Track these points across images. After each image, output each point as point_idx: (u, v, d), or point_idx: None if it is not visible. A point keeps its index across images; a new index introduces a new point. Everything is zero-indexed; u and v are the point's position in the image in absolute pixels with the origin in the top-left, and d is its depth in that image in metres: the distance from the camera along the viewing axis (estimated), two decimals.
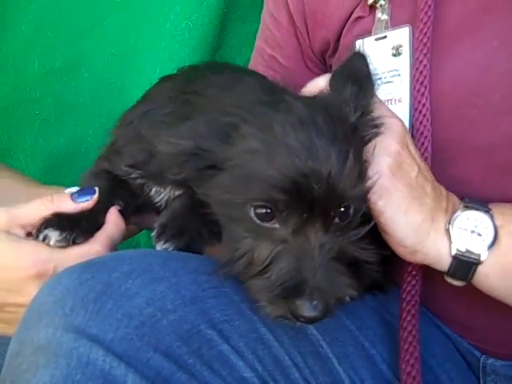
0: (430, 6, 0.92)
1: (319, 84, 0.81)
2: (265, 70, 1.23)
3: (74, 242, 0.89)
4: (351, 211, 0.73)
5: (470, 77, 0.92)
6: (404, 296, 0.85)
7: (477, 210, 0.80)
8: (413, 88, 0.94)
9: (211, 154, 0.71)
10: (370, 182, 0.76)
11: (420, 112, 0.91)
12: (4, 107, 1.65)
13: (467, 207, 0.81)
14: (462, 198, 0.85)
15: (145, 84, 1.55)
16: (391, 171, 0.76)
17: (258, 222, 0.70)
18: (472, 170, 0.92)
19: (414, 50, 0.96)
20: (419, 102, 0.92)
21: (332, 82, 0.79)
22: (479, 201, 0.83)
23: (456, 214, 0.80)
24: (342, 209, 0.71)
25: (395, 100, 0.98)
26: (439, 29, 0.95)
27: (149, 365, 0.63)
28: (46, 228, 0.89)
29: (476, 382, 0.93)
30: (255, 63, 1.29)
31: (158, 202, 0.96)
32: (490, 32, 0.92)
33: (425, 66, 0.93)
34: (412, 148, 0.82)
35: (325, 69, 1.19)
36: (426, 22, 0.93)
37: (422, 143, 0.90)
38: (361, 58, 0.81)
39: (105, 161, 1.05)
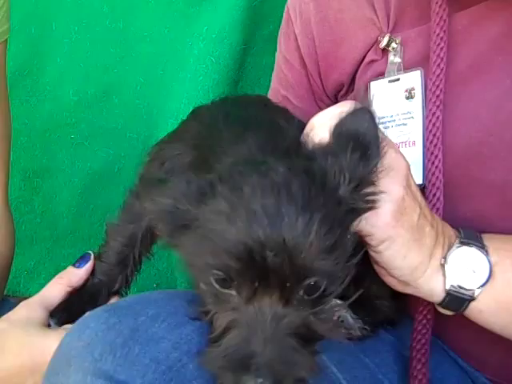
0: (442, 49, 0.91)
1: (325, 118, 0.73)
2: None
3: None
4: (322, 286, 0.65)
5: (483, 116, 0.89)
6: (415, 335, 0.84)
7: (472, 246, 0.77)
8: (426, 139, 0.92)
9: (185, 213, 0.67)
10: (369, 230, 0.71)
11: (433, 163, 0.89)
12: (43, 132, 1.74)
13: (462, 243, 0.78)
14: (457, 230, 0.82)
15: (171, 110, 1.64)
16: (395, 218, 0.72)
17: (218, 287, 0.65)
18: (487, 206, 0.89)
19: (426, 97, 0.94)
20: (432, 153, 0.90)
21: (332, 140, 0.70)
22: (474, 234, 0.80)
23: (451, 250, 0.77)
24: (309, 282, 0.64)
25: (409, 143, 0.96)
26: (451, 69, 0.92)
27: None
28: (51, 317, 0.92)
29: None
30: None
31: None
32: (503, 72, 0.89)
33: (437, 117, 0.91)
34: (414, 187, 0.77)
35: None
36: (439, 64, 0.91)
37: (434, 194, 0.88)
38: (367, 114, 0.71)
39: (136, 198, 0.98)
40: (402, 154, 0.77)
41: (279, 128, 0.82)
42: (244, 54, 1.65)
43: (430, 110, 0.92)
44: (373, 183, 0.69)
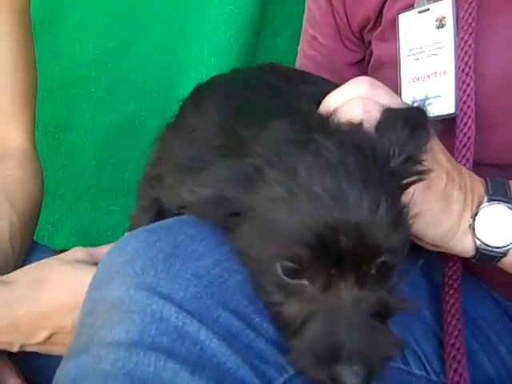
0: None
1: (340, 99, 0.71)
2: (309, 50, 1.21)
3: None
4: (391, 261, 0.63)
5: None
6: (446, 271, 0.83)
7: (500, 202, 0.75)
8: (457, 68, 0.89)
9: (233, 201, 0.62)
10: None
11: (464, 92, 0.87)
12: (62, 86, 1.71)
13: (490, 200, 0.76)
14: (486, 181, 0.79)
15: (192, 61, 1.61)
16: (421, 195, 0.71)
17: (286, 279, 0.62)
18: None
19: (458, 25, 0.91)
20: (464, 81, 0.87)
21: (381, 121, 0.67)
22: (503, 187, 0.77)
23: (479, 209, 0.76)
24: (380, 260, 0.62)
25: (440, 73, 0.94)
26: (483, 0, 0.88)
27: (219, 322, 0.62)
28: None
29: None
30: (302, 44, 1.26)
31: None
32: None
33: (470, 45, 0.88)
34: (439, 153, 0.75)
35: (363, 45, 1.14)
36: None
37: (465, 123, 0.86)
38: (421, 111, 0.69)
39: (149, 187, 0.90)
40: None
41: (299, 111, 0.74)
42: (266, 2, 1.61)
43: (462, 38, 0.88)
44: (420, 161, 0.66)
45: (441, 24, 0.95)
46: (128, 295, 0.62)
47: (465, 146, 0.85)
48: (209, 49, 1.61)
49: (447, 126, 0.89)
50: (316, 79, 0.89)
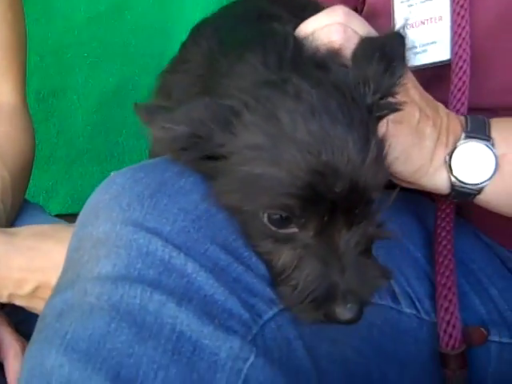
0: None
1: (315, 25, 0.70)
2: None
3: None
4: (375, 198, 0.63)
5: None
6: (439, 214, 0.82)
7: (477, 140, 0.74)
8: (453, 11, 0.86)
9: (208, 142, 0.59)
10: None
11: (460, 35, 0.85)
12: (55, 51, 1.69)
13: (467, 137, 0.74)
14: (466, 118, 0.77)
15: (186, 22, 1.59)
16: (393, 128, 0.69)
17: (274, 228, 0.60)
18: None
19: None
20: (459, 25, 0.85)
21: (356, 51, 0.65)
22: (482, 124, 0.76)
23: (455, 146, 0.74)
24: (367, 199, 0.62)
25: (435, 19, 0.91)
26: None
27: (206, 255, 0.62)
28: None
29: None
30: None
31: None
32: None
33: None
34: (412, 89, 0.73)
35: None
36: None
37: (461, 67, 0.84)
38: (399, 38, 0.66)
39: None
40: None
41: (275, 34, 0.71)
42: None
43: None
44: (394, 95, 0.64)
45: None
46: (114, 231, 0.61)
47: (460, 90, 0.84)
48: (201, 10, 1.59)
49: (442, 72, 0.88)
50: (317, 7, 0.84)
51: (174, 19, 1.66)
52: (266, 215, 0.61)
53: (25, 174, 1.14)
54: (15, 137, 1.12)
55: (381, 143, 0.63)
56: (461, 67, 0.85)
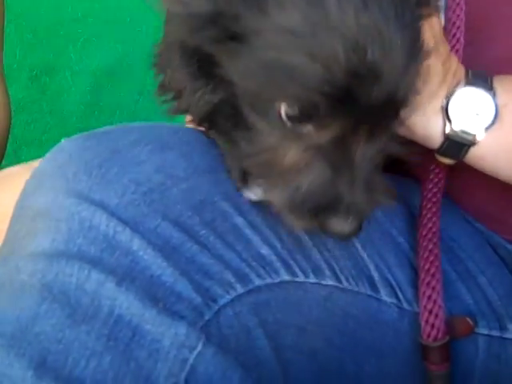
0: None
1: None
2: None
3: None
4: (403, 113, 0.56)
5: None
6: (425, 194, 0.77)
7: (477, 86, 0.70)
8: None
9: (234, 21, 0.50)
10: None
11: (454, 0, 0.77)
12: (48, 28, 1.67)
13: (468, 83, 0.70)
14: (467, 71, 0.73)
15: None
16: None
17: (289, 123, 0.53)
18: None
19: None
20: None
21: None
22: (484, 76, 0.72)
23: (454, 91, 0.69)
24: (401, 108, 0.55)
25: None
26: None
27: (156, 232, 0.57)
28: None
29: (508, 276, 0.84)
30: None
31: None
32: None
33: None
34: (435, 20, 0.68)
35: None
36: None
37: (454, 34, 0.78)
38: None
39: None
40: None
41: None
42: None
43: None
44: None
45: None
46: (56, 202, 0.56)
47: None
48: None
49: None
50: None
51: None
52: (284, 106, 0.52)
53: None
54: None
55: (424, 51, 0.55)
56: (454, 34, 0.79)
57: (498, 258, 0.82)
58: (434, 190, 0.76)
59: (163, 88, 0.64)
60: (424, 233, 0.74)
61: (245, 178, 0.59)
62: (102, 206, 0.56)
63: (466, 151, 0.70)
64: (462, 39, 0.77)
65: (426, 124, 0.70)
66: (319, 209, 0.55)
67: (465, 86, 0.70)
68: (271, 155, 0.55)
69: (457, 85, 0.70)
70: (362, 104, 0.50)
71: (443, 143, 0.70)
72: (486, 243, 0.84)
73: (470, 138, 0.69)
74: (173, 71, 0.61)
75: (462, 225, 0.84)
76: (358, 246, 0.69)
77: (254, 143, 0.56)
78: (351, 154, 0.54)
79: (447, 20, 0.79)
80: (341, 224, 0.55)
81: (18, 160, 1.67)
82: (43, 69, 1.68)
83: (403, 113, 0.55)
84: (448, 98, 0.69)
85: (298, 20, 0.49)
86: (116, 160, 0.58)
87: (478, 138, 0.69)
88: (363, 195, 0.54)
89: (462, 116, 0.69)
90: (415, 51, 0.53)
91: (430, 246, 0.73)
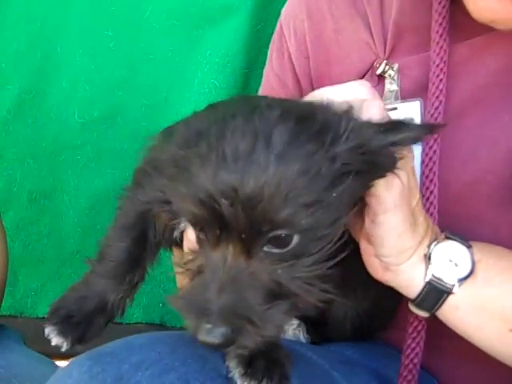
0: (441, 80, 0.86)
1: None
2: None
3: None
4: (292, 240, 0.60)
5: (480, 153, 0.86)
6: (405, 361, 0.82)
7: (457, 241, 0.77)
8: (421, 174, 0.85)
9: (180, 157, 0.64)
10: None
11: (428, 199, 0.84)
12: (48, 154, 1.72)
13: (448, 238, 0.77)
14: (443, 231, 0.79)
15: None
16: (403, 193, 0.70)
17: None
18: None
19: None
20: (427, 188, 0.84)
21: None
22: (460, 236, 0.78)
23: (437, 242, 0.76)
24: (275, 235, 0.60)
25: None
26: (449, 101, 0.87)
27: None
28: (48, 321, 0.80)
29: None
30: None
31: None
32: (501, 108, 0.86)
33: (434, 151, 0.84)
34: (411, 173, 0.74)
35: None
36: (437, 96, 0.86)
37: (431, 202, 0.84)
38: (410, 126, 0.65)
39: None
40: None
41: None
42: (247, 77, 1.63)
43: (427, 143, 0.85)
44: (388, 155, 0.64)
45: None
46: None
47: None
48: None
49: None
50: None
51: (164, 127, 1.67)
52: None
53: None
54: None
55: (334, 194, 0.61)
56: (428, 198, 0.85)
57: None
58: (413, 358, 0.82)
59: None
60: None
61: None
62: None
63: (444, 299, 0.76)
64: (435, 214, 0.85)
65: (411, 269, 0.77)
66: (194, 312, 0.60)
67: (445, 239, 0.78)
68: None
69: (437, 238, 0.78)
70: (220, 217, 0.59)
71: (423, 289, 0.76)
72: None
73: (448, 285, 0.76)
74: None
75: None
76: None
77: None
78: (225, 262, 0.60)
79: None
80: (203, 330, 0.59)
81: (15, 281, 1.72)
82: (42, 192, 1.73)
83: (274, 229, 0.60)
84: (430, 248, 0.77)
85: (204, 146, 0.62)
86: None
87: (456, 288, 0.76)
88: (230, 306, 0.58)
89: (442, 265, 0.76)
90: (289, 178, 0.58)
91: None
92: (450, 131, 0.87)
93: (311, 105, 0.66)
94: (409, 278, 0.77)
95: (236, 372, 0.71)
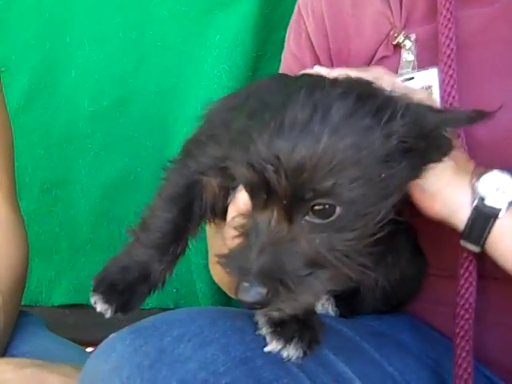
0: (452, 49, 0.86)
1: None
2: None
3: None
4: (335, 211, 0.61)
5: (505, 119, 0.83)
6: (460, 302, 0.81)
7: (504, 172, 0.77)
8: None
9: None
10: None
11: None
12: (59, 143, 1.72)
13: (496, 169, 0.78)
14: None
15: (186, 118, 1.63)
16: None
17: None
18: None
19: (442, 99, 0.87)
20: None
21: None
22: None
23: (482, 172, 0.78)
24: (319, 204, 0.61)
25: None
26: (466, 71, 0.88)
27: None
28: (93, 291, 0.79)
29: None
30: None
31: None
32: None
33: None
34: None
35: None
36: (450, 65, 0.86)
37: None
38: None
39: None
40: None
41: None
42: (257, 60, 1.63)
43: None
44: (442, 136, 0.66)
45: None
46: None
47: None
48: (202, 105, 1.60)
49: None
50: None
51: (175, 114, 1.68)
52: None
53: (17, 290, 1.11)
54: (6, 253, 1.09)
55: (386, 171, 0.62)
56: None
57: None
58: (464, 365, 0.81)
59: None
60: (459, 362, 0.80)
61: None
62: None
63: (492, 225, 0.76)
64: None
65: (457, 193, 0.77)
66: (237, 271, 0.63)
67: (492, 170, 0.78)
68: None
69: (485, 168, 0.78)
70: (266, 183, 0.62)
71: (470, 216, 0.76)
72: None
73: (495, 211, 0.76)
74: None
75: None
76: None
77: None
78: (266, 225, 0.63)
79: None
80: (243, 289, 0.61)
81: (29, 271, 1.71)
82: (54, 182, 1.73)
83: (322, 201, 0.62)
84: (477, 177, 0.77)
85: (267, 115, 0.64)
86: (164, 360, 0.66)
87: (502, 213, 0.76)
88: (269, 268, 0.60)
89: (489, 192, 0.76)
90: (336, 151, 0.60)
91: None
92: (470, 98, 0.87)
93: (371, 85, 0.68)
94: (456, 203, 0.77)
95: (265, 329, 0.72)
